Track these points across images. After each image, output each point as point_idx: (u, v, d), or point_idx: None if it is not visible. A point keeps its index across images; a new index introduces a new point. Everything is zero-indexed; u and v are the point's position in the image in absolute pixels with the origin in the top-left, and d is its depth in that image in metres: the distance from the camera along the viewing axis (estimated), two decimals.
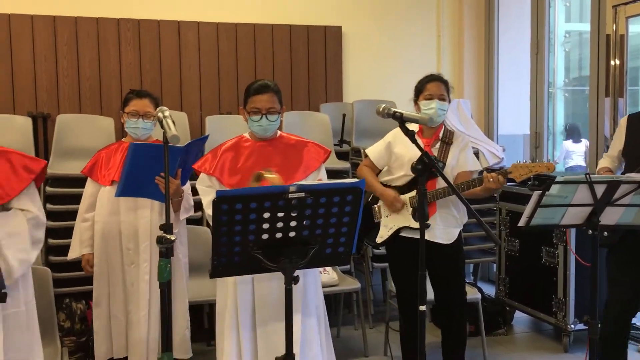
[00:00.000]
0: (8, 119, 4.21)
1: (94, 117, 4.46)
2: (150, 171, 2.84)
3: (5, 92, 4.42)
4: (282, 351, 2.12)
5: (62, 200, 3.91)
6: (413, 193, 3.03)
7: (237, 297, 2.63)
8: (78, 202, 3.24)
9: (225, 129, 4.56)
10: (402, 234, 3.09)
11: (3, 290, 1.89)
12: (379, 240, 3.15)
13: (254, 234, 2.01)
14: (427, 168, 2.31)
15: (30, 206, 2.22)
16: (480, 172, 3.16)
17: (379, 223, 3.17)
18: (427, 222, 2.47)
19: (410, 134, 2.30)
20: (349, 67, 5.23)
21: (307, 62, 5.10)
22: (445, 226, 3.06)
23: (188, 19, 4.81)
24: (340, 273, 4.00)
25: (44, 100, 4.51)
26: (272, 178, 2.51)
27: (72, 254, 3.15)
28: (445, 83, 3.11)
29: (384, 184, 3.17)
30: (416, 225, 2.93)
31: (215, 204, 1.92)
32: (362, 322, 3.99)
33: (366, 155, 3.28)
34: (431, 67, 4.94)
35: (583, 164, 7.90)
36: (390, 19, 5.35)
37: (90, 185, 3.14)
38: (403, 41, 5.37)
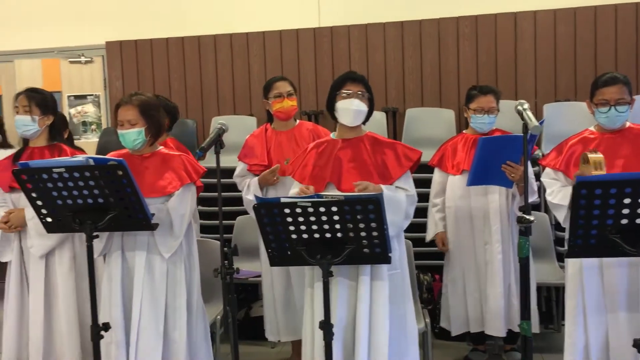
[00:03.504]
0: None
1: (436, 110, 4.91)
2: (497, 161, 3.11)
3: None
4: (631, 339, 2.14)
5: None
6: None
7: (583, 282, 2.69)
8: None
9: (563, 116, 4.55)
10: None
11: (390, 254, 2.35)
12: None
13: (612, 219, 2.09)
14: None
15: (408, 186, 2.68)
16: None
17: None
18: None
19: None
20: None
21: None
22: None
23: (524, 9, 4.91)
24: None
25: (393, 97, 5.15)
26: (596, 157, 2.50)
27: (429, 236, 3.58)
28: None
29: None
30: None
31: (575, 189, 2.06)
32: None
33: None
34: None
35: None
36: None
37: (438, 174, 3.53)
38: None
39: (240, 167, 3.48)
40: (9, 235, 2.92)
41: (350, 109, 2.63)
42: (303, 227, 2.25)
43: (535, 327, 3.31)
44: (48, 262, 2.90)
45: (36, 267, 2.88)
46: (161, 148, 2.85)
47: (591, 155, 2.48)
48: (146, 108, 2.70)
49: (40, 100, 2.94)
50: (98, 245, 2.70)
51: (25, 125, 2.91)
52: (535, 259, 3.71)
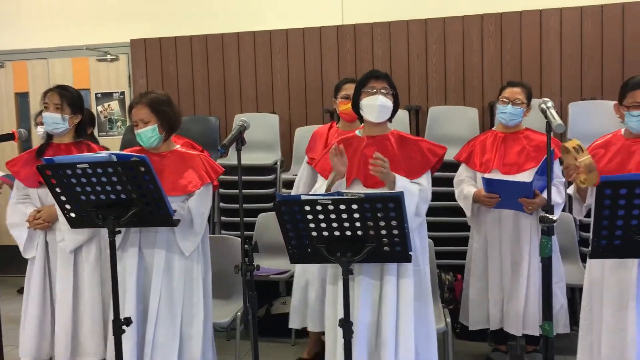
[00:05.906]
0: None
1: (460, 108, 4.87)
2: (509, 196, 3.12)
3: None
4: None
5: None
6: None
7: (593, 282, 2.66)
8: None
9: (588, 115, 4.48)
10: None
11: (410, 253, 2.34)
12: None
13: (637, 219, 2.05)
14: None
15: (424, 182, 2.67)
16: None
17: None
18: None
19: None
20: None
21: None
22: None
23: (550, 6, 4.84)
24: None
25: (416, 95, 5.12)
26: (572, 143, 2.46)
27: (468, 209, 3.38)
28: None
29: None
30: None
31: (599, 189, 2.02)
32: None
33: None
34: None
35: None
36: None
37: (464, 169, 3.48)
38: None
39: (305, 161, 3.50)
40: (34, 231, 2.96)
41: (375, 104, 2.64)
42: (323, 225, 2.24)
43: (565, 327, 3.27)
44: (75, 257, 2.94)
45: (64, 263, 2.92)
46: (178, 147, 2.88)
47: (566, 144, 2.45)
48: (156, 105, 2.73)
49: (72, 99, 2.99)
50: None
51: (56, 123, 2.96)
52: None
